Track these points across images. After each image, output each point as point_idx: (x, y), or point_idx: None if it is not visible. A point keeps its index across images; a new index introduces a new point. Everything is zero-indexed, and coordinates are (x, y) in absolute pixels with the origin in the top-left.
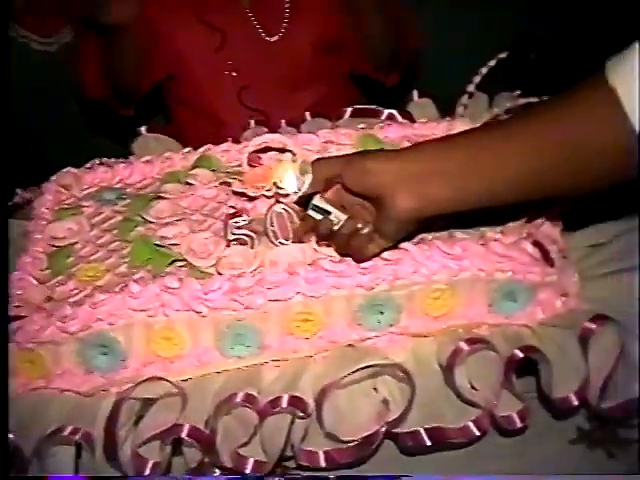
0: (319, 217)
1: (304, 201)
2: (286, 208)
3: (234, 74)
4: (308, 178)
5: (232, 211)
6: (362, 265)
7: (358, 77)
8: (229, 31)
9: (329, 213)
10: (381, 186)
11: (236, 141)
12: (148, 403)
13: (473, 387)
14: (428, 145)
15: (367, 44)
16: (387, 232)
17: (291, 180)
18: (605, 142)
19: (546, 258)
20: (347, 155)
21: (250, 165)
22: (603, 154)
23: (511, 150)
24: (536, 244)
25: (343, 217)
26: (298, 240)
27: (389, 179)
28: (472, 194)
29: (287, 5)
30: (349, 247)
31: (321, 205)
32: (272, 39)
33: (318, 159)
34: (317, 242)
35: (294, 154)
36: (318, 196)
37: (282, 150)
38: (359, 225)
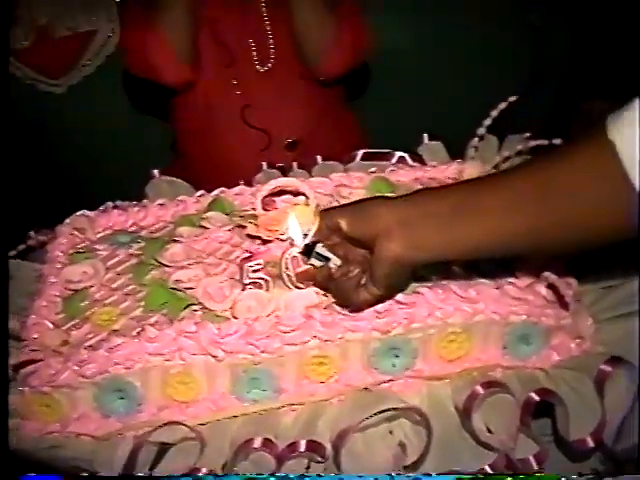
0: (319, 264)
1: (307, 250)
2: None
3: (238, 92)
4: (313, 228)
5: (247, 255)
6: (377, 309)
7: None
8: (236, 51)
9: (329, 260)
10: (376, 229)
11: (248, 184)
12: (165, 448)
13: (489, 430)
14: (426, 191)
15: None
16: (377, 276)
17: (296, 231)
18: (601, 196)
19: (560, 301)
20: (350, 203)
21: (264, 209)
22: (599, 209)
23: (499, 201)
24: (550, 287)
25: (339, 262)
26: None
27: (385, 222)
28: (458, 243)
29: (271, 40)
30: (341, 292)
31: (322, 252)
32: (262, 69)
33: (324, 210)
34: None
35: (307, 197)
36: (320, 244)
37: (295, 193)
38: (350, 268)
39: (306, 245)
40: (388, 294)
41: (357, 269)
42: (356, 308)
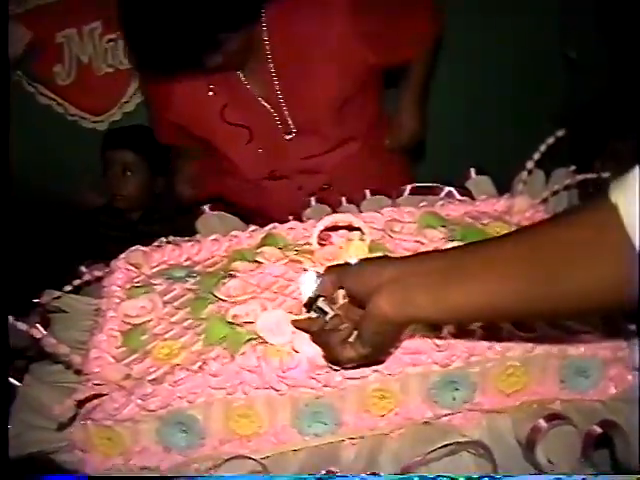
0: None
1: (310, 303)
2: None
3: (261, 151)
4: (319, 283)
5: None
6: (437, 342)
7: None
8: (254, 126)
9: (326, 313)
10: (371, 286)
11: (299, 219)
12: None
13: (550, 461)
14: (423, 254)
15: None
16: (364, 333)
17: (309, 285)
18: (604, 259)
19: (617, 333)
20: (357, 261)
21: (320, 243)
22: (598, 270)
23: (490, 266)
24: (606, 319)
25: (332, 314)
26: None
27: (379, 281)
28: (446, 305)
29: (285, 112)
30: (328, 346)
31: (322, 306)
32: (288, 137)
33: (330, 266)
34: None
35: (363, 232)
36: (322, 299)
37: (350, 228)
38: (343, 322)
39: (309, 298)
40: (372, 355)
41: (347, 324)
42: (340, 365)
